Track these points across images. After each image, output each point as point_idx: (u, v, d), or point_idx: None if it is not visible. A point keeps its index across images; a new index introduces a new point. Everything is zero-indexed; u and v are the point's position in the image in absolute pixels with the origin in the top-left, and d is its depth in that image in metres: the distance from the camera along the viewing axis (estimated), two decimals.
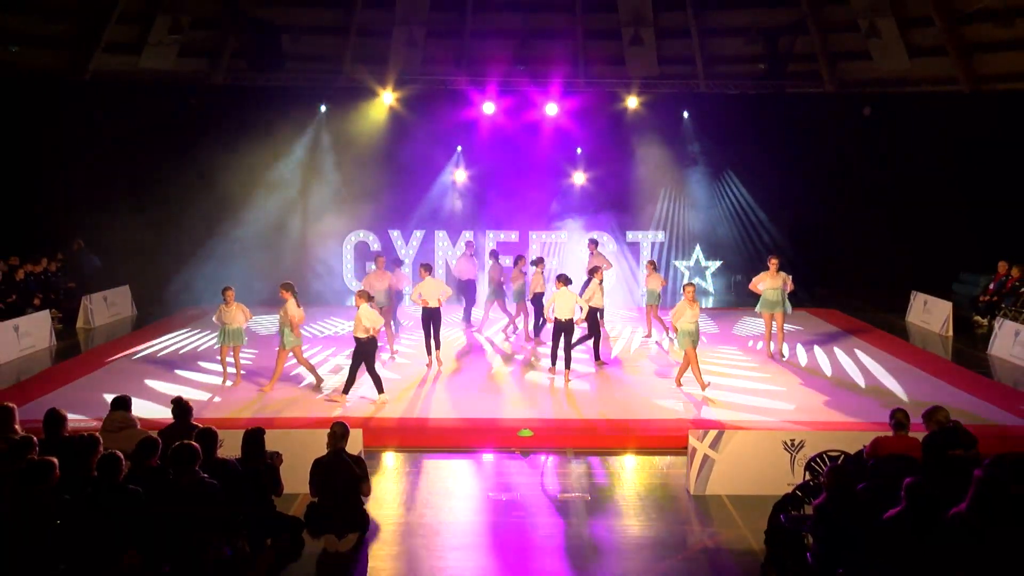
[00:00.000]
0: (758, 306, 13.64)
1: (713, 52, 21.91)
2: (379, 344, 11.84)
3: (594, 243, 16.20)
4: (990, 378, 12.99)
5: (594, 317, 12.92)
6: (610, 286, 16.86)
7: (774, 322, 13.68)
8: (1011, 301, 16.30)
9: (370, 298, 11.36)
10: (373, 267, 14.42)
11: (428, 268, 13.23)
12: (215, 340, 13.07)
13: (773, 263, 13.59)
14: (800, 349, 14.71)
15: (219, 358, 12.23)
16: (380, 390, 11.18)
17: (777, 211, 21.05)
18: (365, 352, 11.01)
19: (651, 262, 16.03)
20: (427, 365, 13.08)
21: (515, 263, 15.43)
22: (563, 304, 12.10)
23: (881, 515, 5.61)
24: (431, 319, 12.85)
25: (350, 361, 11.32)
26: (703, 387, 11.66)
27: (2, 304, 15.83)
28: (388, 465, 9.36)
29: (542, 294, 14.35)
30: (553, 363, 12.58)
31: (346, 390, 11.23)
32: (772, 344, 13.94)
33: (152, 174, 20.37)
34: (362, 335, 10.95)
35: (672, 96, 21.57)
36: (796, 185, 20.51)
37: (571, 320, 12.14)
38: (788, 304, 13.57)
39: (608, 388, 12.11)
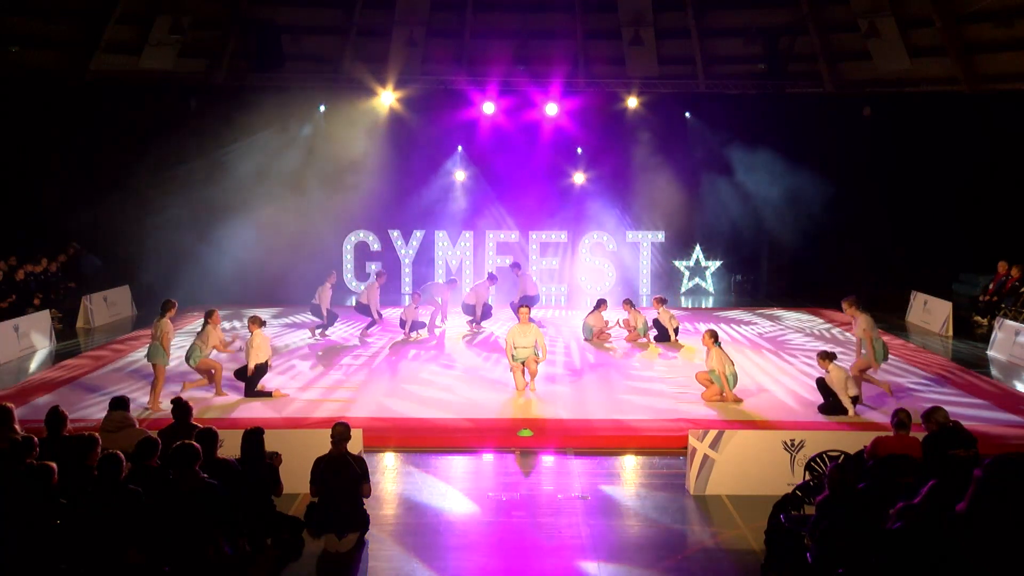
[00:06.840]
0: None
1: (713, 52, 21.88)
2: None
3: (517, 266, 17.31)
4: (990, 378, 12.99)
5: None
6: (610, 287, 16.84)
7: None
8: (1011, 301, 16.31)
9: (262, 324, 11.47)
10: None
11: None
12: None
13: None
14: (800, 349, 14.71)
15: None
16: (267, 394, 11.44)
17: (777, 211, 21.01)
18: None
19: (627, 301, 15.45)
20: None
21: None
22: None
23: (881, 515, 5.61)
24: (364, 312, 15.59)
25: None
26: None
27: (2, 304, 15.83)
28: (388, 465, 9.35)
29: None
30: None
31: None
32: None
33: (152, 174, 20.34)
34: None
35: (672, 96, 21.56)
36: (796, 185, 20.48)
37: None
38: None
39: (608, 388, 12.11)
